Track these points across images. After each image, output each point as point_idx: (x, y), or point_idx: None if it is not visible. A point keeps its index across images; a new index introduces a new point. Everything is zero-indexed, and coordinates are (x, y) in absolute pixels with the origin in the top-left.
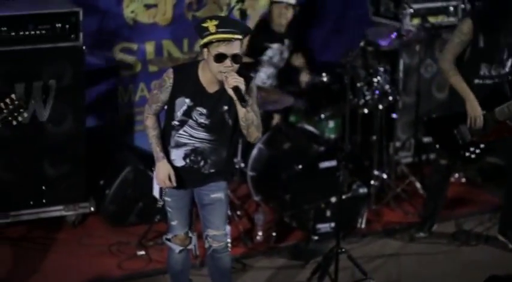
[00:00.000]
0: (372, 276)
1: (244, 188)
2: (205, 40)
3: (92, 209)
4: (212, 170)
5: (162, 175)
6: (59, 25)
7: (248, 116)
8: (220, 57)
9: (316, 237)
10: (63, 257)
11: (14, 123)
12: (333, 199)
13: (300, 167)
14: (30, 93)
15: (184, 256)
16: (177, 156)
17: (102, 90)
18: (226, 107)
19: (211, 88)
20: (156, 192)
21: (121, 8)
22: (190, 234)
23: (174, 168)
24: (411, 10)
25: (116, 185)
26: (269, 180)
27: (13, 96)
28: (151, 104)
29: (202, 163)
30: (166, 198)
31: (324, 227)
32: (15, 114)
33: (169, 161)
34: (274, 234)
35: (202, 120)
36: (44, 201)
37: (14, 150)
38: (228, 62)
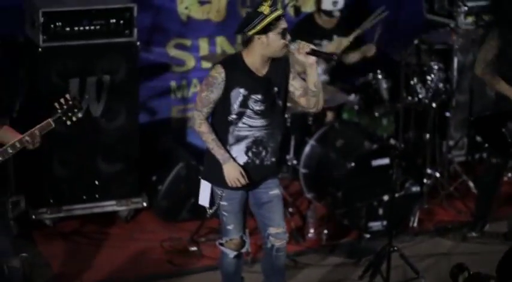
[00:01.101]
0: (423, 275)
1: (296, 185)
2: (266, 22)
3: (145, 204)
4: (273, 159)
5: (234, 174)
6: (114, 21)
7: (318, 81)
8: (284, 33)
9: (368, 235)
10: (115, 251)
11: (68, 123)
12: (386, 197)
13: (353, 164)
14: (84, 89)
15: (238, 259)
16: (239, 152)
17: (155, 86)
18: (276, 89)
19: (260, 72)
20: (204, 201)
21: (175, 4)
22: (244, 238)
23: None
24: (465, 8)
25: (169, 181)
26: (321, 177)
27: (67, 96)
28: (202, 108)
29: (264, 153)
30: (222, 203)
31: (376, 225)
32: (70, 114)
33: None
34: (325, 231)
35: (258, 107)
36: (96, 196)
37: (68, 145)
38: (288, 35)
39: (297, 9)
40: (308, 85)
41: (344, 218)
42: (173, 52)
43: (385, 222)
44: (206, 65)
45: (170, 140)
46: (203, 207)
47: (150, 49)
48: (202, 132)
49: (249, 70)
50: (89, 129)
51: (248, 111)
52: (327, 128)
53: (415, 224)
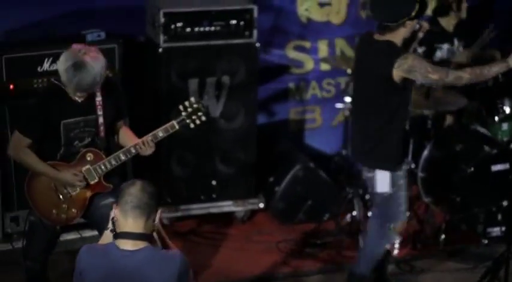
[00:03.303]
0: None
1: (414, 189)
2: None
3: (261, 205)
4: None
5: None
6: (234, 22)
7: None
8: None
9: (486, 241)
10: (232, 252)
11: (192, 126)
12: (505, 203)
13: (472, 169)
14: (204, 89)
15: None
16: None
17: (274, 87)
18: None
19: None
20: (385, 188)
21: (295, 5)
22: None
23: None
24: None
25: (286, 183)
26: (439, 181)
27: (192, 99)
28: None
29: None
30: (400, 182)
31: (495, 230)
32: (194, 117)
33: None
34: (443, 236)
35: None
36: (214, 196)
37: (186, 145)
38: None
39: None
40: None
41: (462, 223)
42: (292, 54)
43: (504, 228)
44: (325, 67)
45: (288, 141)
46: (319, 209)
47: (269, 50)
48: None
49: None
50: (208, 129)
51: None
52: (446, 132)
53: None
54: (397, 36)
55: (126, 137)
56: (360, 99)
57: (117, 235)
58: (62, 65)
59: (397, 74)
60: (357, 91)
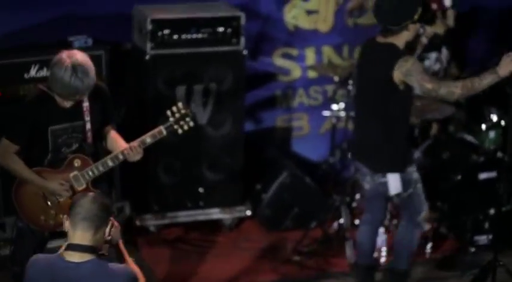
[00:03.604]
0: None
1: None
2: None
3: (248, 212)
4: None
5: None
6: (221, 29)
7: None
8: None
9: (473, 249)
10: (219, 259)
11: (180, 132)
12: (492, 211)
13: (459, 177)
14: (191, 97)
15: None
16: None
17: (261, 95)
18: None
19: None
20: (397, 189)
21: (282, 13)
22: None
23: None
24: None
25: (273, 190)
26: (427, 190)
27: (180, 105)
28: None
29: None
30: (415, 176)
31: (482, 239)
32: (181, 123)
33: None
34: (430, 244)
35: None
36: (201, 203)
37: (173, 153)
38: None
39: None
40: None
41: (449, 231)
42: (279, 61)
43: (491, 236)
44: (312, 74)
45: (275, 149)
46: (306, 216)
47: (256, 58)
48: None
49: None
50: (195, 136)
51: None
52: (433, 140)
53: None
54: (400, 40)
55: (114, 142)
56: (362, 103)
57: (66, 247)
58: (58, 71)
59: (397, 76)
60: (359, 96)
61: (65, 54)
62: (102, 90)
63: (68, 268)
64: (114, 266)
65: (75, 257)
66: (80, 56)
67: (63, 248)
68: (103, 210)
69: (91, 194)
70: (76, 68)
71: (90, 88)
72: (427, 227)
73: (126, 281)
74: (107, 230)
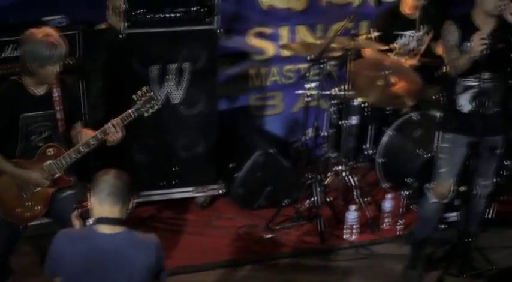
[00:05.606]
0: (498, 267)
1: (372, 175)
2: None
3: (221, 191)
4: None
5: None
6: (195, 8)
7: None
8: None
9: (443, 226)
10: (192, 237)
11: (146, 115)
12: (462, 188)
13: (430, 155)
14: (164, 76)
15: (437, 207)
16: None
17: (235, 74)
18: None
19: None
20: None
21: None
22: (453, 188)
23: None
24: None
25: (246, 168)
26: (398, 167)
27: (144, 88)
28: None
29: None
30: (444, 144)
31: (452, 215)
32: (148, 106)
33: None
34: (401, 221)
35: None
36: (174, 182)
37: (147, 132)
38: None
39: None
40: None
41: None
42: (253, 40)
43: (460, 213)
44: (286, 53)
45: (248, 127)
46: (279, 195)
47: (230, 37)
48: None
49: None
50: (169, 116)
51: None
52: (405, 118)
53: (492, 215)
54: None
55: (85, 133)
56: None
57: (96, 221)
58: (33, 43)
59: None
60: None
61: (33, 30)
62: (71, 86)
63: (104, 240)
64: (143, 235)
65: (107, 230)
66: (48, 29)
67: (92, 222)
68: (126, 186)
69: (112, 171)
70: (48, 36)
71: (66, 55)
72: (432, 199)
73: (157, 246)
74: (130, 203)
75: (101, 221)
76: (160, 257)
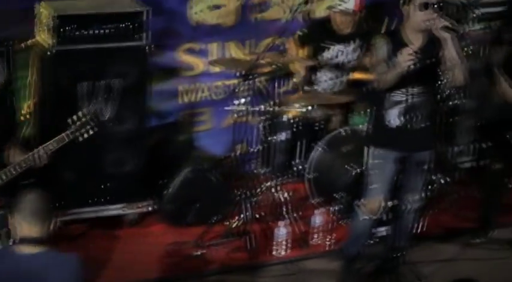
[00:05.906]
0: (427, 281)
1: (302, 190)
2: None
3: (151, 208)
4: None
5: None
6: (124, 25)
7: (452, 57)
8: (425, 6)
9: (372, 241)
10: (122, 255)
11: (80, 139)
12: (390, 203)
13: (359, 170)
14: (93, 93)
15: (367, 223)
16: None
17: (164, 90)
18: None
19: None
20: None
21: (186, 8)
22: (383, 203)
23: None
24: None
25: (175, 185)
26: (328, 182)
27: (80, 113)
28: None
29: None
30: (374, 161)
31: (381, 230)
32: (83, 130)
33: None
34: (331, 237)
35: None
36: (103, 199)
37: (76, 149)
38: (430, 10)
39: (306, 15)
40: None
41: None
42: (183, 56)
43: (390, 228)
44: (215, 69)
45: (178, 144)
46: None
47: (160, 53)
48: None
49: (404, 43)
50: (98, 132)
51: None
52: (334, 134)
53: (422, 230)
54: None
55: (17, 154)
56: None
57: (17, 241)
58: None
59: None
60: None
61: None
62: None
63: (21, 260)
64: (63, 254)
65: (27, 249)
66: None
67: (12, 243)
68: (46, 204)
69: (34, 190)
70: None
71: None
72: (366, 216)
73: (76, 266)
74: (52, 223)
75: (21, 241)
76: (80, 273)
